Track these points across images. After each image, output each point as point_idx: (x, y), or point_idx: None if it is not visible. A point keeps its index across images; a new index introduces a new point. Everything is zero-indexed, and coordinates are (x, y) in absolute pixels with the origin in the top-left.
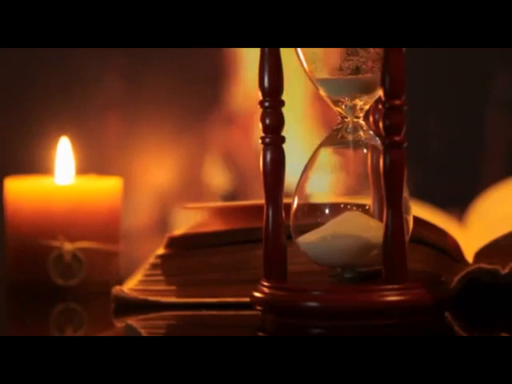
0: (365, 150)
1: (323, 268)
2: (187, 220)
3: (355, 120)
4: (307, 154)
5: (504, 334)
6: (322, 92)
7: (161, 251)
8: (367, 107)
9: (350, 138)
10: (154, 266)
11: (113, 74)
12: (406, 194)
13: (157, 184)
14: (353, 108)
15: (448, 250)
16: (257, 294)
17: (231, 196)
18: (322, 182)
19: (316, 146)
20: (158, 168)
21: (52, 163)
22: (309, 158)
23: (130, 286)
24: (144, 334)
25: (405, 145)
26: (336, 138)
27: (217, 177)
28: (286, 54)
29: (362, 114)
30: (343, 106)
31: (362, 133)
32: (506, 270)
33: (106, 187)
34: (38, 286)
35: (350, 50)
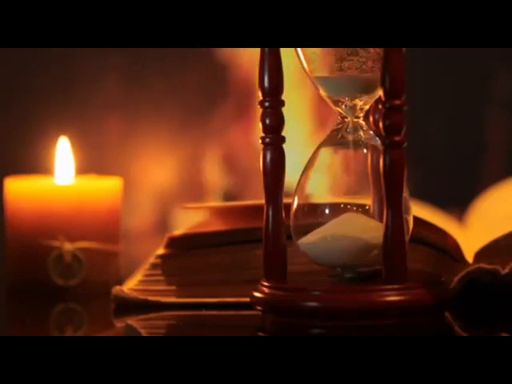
0: (365, 150)
1: (323, 268)
2: (187, 220)
3: (355, 120)
4: (307, 153)
5: (504, 334)
6: (322, 92)
7: (161, 251)
8: (367, 107)
9: (350, 138)
10: (153, 266)
11: (113, 74)
12: (406, 193)
13: (157, 184)
14: (353, 108)
15: (448, 249)
16: (257, 294)
17: (231, 196)
18: (322, 182)
19: (316, 146)
20: (157, 168)
21: (52, 163)
22: (309, 158)
23: (130, 286)
24: (144, 334)
25: (405, 145)
26: (336, 137)
27: (217, 177)
28: (285, 54)
29: (362, 114)
30: (343, 106)
31: (362, 133)
32: (506, 270)
33: (106, 187)
34: (38, 285)
35: (350, 49)
